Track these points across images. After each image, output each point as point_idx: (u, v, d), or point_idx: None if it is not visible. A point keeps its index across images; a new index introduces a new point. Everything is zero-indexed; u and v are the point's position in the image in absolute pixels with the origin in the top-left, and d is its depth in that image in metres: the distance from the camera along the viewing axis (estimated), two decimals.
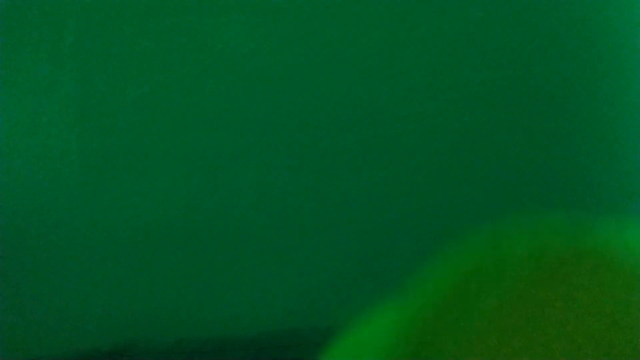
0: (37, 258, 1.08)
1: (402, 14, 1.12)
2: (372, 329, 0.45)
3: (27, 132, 1.11)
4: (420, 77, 1.11)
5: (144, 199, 1.09)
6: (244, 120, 1.09)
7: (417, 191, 1.07)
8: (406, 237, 1.04)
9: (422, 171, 1.08)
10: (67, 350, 0.99)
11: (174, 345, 0.94)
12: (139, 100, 1.12)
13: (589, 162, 1.07)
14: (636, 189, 1.06)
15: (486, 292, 0.39)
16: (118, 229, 1.08)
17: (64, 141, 1.11)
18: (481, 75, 1.10)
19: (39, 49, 1.13)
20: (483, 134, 1.08)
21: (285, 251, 0.98)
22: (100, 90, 1.13)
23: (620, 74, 1.09)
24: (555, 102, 1.09)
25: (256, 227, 1.06)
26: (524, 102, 1.09)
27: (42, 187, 1.10)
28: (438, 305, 0.40)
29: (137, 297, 1.07)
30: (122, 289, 1.06)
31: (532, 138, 1.08)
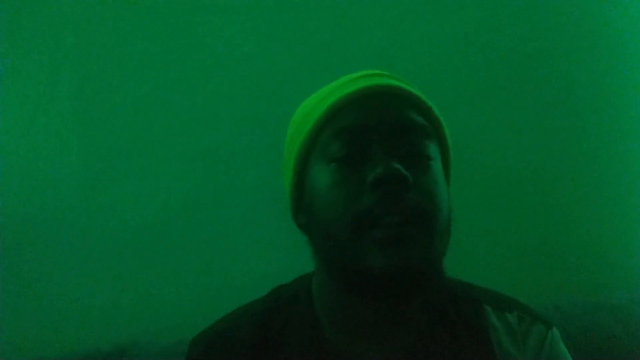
0: (37, 258, 1.08)
1: (402, 14, 1.12)
2: None
3: (27, 132, 1.11)
4: (420, 77, 1.11)
5: (144, 199, 1.09)
6: (243, 120, 1.09)
7: None
8: None
9: None
10: (67, 350, 0.99)
11: (174, 345, 0.94)
12: (139, 100, 1.12)
13: (590, 160, 1.07)
14: (636, 188, 1.06)
15: None
16: (118, 229, 1.08)
17: (64, 141, 1.12)
18: (481, 75, 1.10)
19: (39, 49, 1.13)
20: (482, 133, 1.08)
21: (286, 250, 0.98)
22: (100, 90, 1.13)
23: (620, 73, 1.09)
24: (556, 101, 1.09)
25: (256, 226, 1.06)
26: (525, 102, 1.09)
27: (42, 187, 1.10)
28: None
29: (137, 297, 1.07)
30: (122, 289, 1.06)
31: (532, 137, 1.08)
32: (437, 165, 0.50)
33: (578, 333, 0.84)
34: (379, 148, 0.47)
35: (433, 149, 0.50)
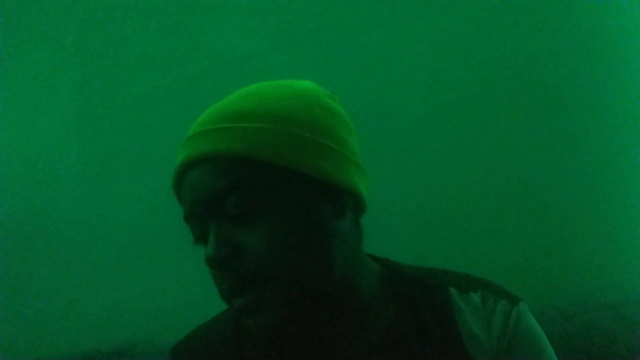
0: (38, 258, 1.08)
1: (402, 14, 1.12)
2: None
3: (27, 132, 1.12)
4: (420, 77, 1.11)
5: (144, 199, 1.09)
6: None
7: (418, 190, 1.07)
8: (407, 236, 1.04)
9: (423, 170, 1.08)
10: (67, 350, 0.99)
11: None
12: (139, 100, 1.12)
13: (590, 160, 1.07)
14: (636, 188, 1.06)
15: None
16: (118, 230, 1.08)
17: (64, 141, 1.12)
18: (481, 75, 1.10)
19: (39, 49, 1.13)
20: (483, 133, 1.08)
21: None
22: (100, 90, 1.13)
23: (620, 74, 1.09)
24: (556, 101, 1.09)
25: None
26: (524, 102, 1.09)
27: (42, 187, 1.10)
28: None
29: (137, 297, 1.07)
30: (122, 289, 1.06)
31: (531, 138, 1.08)
32: (271, 214, 0.46)
33: (578, 333, 0.84)
34: (212, 225, 0.48)
35: (269, 198, 0.47)
